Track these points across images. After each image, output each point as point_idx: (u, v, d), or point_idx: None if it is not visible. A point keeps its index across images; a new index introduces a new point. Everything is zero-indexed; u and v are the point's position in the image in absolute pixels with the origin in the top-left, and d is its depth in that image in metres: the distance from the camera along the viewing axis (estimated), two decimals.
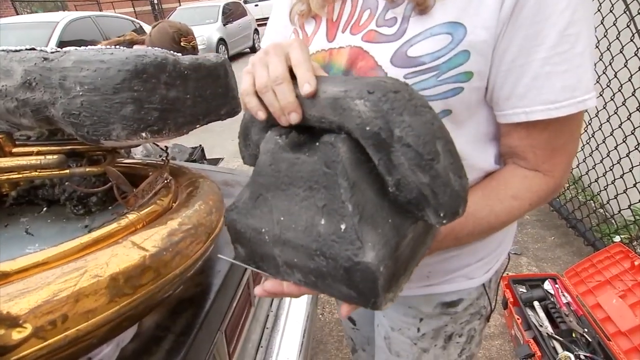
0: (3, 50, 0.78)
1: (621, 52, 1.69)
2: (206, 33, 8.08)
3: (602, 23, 1.84)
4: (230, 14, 9.20)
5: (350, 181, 0.33)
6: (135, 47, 1.83)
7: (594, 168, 2.02)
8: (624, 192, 1.72)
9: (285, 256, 0.38)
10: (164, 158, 0.81)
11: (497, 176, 0.52)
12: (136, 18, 6.36)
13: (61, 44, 3.94)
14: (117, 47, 0.75)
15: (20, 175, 0.73)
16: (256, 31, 10.38)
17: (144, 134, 0.70)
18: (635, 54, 1.59)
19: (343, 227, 0.33)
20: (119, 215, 0.76)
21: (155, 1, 18.89)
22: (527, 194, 0.49)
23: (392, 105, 0.31)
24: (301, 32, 0.58)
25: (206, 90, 0.78)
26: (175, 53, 0.76)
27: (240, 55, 9.55)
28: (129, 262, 0.49)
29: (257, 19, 11.13)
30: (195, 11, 9.30)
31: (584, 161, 2.11)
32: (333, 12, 0.53)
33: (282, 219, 0.37)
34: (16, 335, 0.39)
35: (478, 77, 0.45)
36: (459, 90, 0.45)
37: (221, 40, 8.40)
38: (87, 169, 0.75)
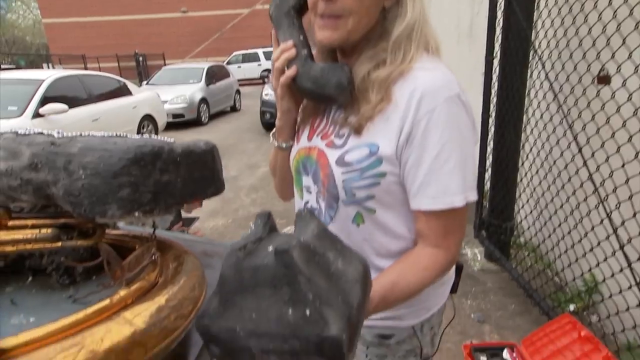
0: (12, 133, 0.86)
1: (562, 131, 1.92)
2: (189, 92, 8.37)
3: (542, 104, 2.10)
4: (214, 75, 9.62)
5: (306, 277, 0.45)
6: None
7: (549, 237, 2.18)
8: (576, 261, 1.87)
9: (260, 345, 0.47)
10: (151, 234, 0.88)
11: (411, 254, 0.71)
12: (120, 74, 6.57)
13: (45, 99, 4.02)
14: (120, 135, 0.85)
15: (14, 248, 0.78)
16: (238, 92, 10.81)
17: (136, 214, 0.78)
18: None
19: (308, 312, 0.44)
20: (104, 286, 0.82)
21: (141, 59, 19.55)
22: (435, 265, 0.69)
23: None
24: (297, 133, 0.85)
25: (195, 174, 0.87)
26: (170, 142, 0.86)
27: (221, 113, 9.85)
28: (121, 337, 0.55)
29: (239, 80, 11.64)
30: (180, 71, 9.68)
31: (540, 230, 2.27)
32: (315, 122, 0.80)
33: (253, 315, 0.46)
34: None
35: (391, 175, 0.68)
36: (377, 184, 0.69)
37: (203, 100, 8.70)
38: (79, 242, 0.81)
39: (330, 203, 0.76)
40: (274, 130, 0.88)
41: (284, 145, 0.86)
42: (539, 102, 2.03)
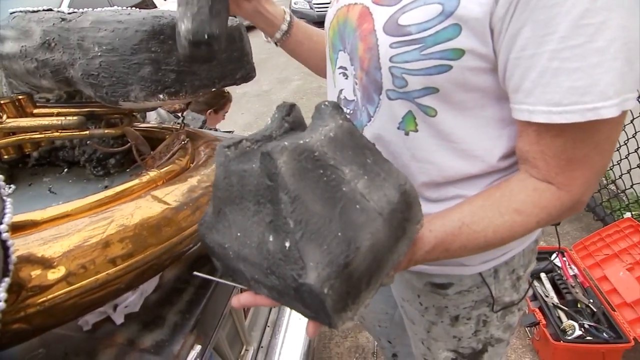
0: (21, 11, 0.79)
1: None
2: None
3: None
4: None
5: (291, 195, 0.31)
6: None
7: None
8: (637, 166, 1.71)
9: (248, 272, 0.37)
10: (180, 122, 0.82)
11: (503, 185, 0.45)
12: None
13: None
14: (134, 8, 0.75)
15: (42, 135, 0.75)
16: None
17: (161, 96, 0.71)
18: None
19: (287, 244, 0.32)
20: (137, 176, 0.79)
21: None
22: (534, 210, 0.43)
23: None
24: None
25: (222, 54, 0.78)
26: None
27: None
28: (152, 213, 0.51)
29: None
30: None
31: None
32: None
33: (238, 234, 0.36)
34: (51, 275, 0.41)
35: (472, 56, 0.41)
36: (446, 69, 0.42)
37: None
38: (106, 131, 0.77)
39: (369, 95, 0.50)
40: None
41: (277, 35, 0.67)
42: None
